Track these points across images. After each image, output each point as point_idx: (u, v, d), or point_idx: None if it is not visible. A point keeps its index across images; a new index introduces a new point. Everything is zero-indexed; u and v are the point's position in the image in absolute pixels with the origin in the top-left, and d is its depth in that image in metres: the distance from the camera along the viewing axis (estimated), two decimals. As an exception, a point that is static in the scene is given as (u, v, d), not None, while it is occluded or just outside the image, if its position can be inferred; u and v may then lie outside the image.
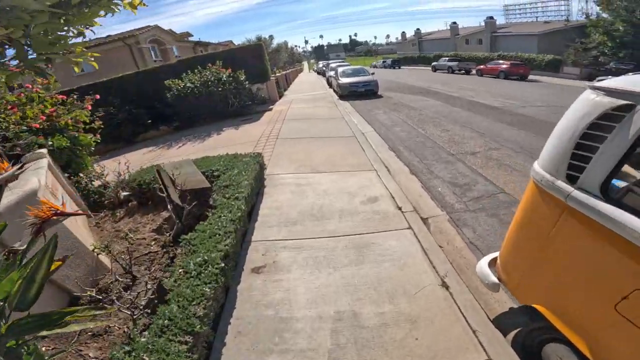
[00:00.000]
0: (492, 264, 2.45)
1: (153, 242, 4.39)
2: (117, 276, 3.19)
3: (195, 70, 11.22)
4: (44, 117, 4.53)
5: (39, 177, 3.44)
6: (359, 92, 14.40)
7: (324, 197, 4.69)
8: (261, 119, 10.78)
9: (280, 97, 15.97)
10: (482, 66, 25.57)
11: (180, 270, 2.79)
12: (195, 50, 26.34)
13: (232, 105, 11.67)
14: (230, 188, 4.01)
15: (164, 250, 3.98)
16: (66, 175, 4.81)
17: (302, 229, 3.97)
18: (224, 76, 10.95)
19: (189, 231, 3.43)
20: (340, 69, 17.22)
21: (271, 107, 12.67)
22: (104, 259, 3.32)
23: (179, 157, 7.97)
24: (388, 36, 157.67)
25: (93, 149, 5.82)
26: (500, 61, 24.94)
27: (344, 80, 15.16)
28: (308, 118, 10.11)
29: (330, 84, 20.08)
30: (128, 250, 3.54)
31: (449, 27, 51.00)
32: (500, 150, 6.33)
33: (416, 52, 57.12)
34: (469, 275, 3.13)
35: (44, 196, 3.02)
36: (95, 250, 3.13)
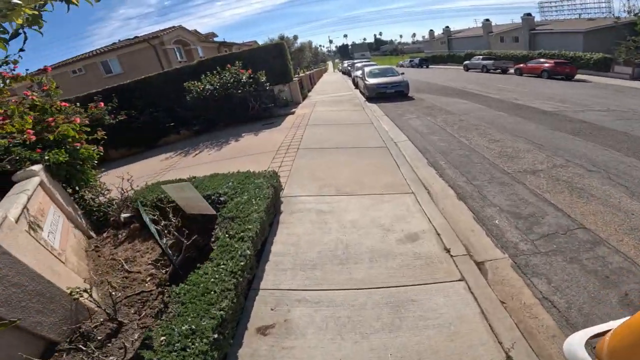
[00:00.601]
0: (591, 344, 1.50)
1: (149, 278, 3.78)
2: (102, 319, 2.77)
3: (214, 72, 10.65)
4: (31, 131, 3.95)
5: (11, 206, 2.87)
6: (388, 94, 13.36)
7: (350, 231, 3.84)
8: (282, 123, 10.05)
9: (304, 98, 15.22)
10: (521, 65, 23.63)
11: (162, 339, 2.10)
12: (220, 51, 26.16)
13: (252, 109, 11.03)
14: (237, 222, 3.23)
15: (159, 290, 3.35)
16: (69, 191, 4.38)
17: (322, 276, 3.16)
18: (244, 77, 10.31)
19: (190, 265, 2.72)
20: (367, 69, 16.23)
21: (294, 110, 11.92)
22: (89, 300, 2.78)
23: (194, 166, 7.42)
24: (414, 35, 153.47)
25: (96, 162, 5.33)
26: (542, 60, 22.95)
27: (372, 80, 14.17)
28: (333, 123, 9.26)
29: (356, 85, 19.11)
30: (112, 296, 2.88)
31: (480, 25, 48.47)
32: (569, 168, 5.18)
33: (445, 50, 55.01)
34: (541, 343, 2.31)
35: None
36: (73, 293, 2.63)
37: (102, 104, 6.35)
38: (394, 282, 2.98)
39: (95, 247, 4.19)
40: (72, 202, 4.33)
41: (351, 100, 13.86)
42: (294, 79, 13.66)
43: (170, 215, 3.89)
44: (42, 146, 4.34)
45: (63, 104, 5.64)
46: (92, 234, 4.45)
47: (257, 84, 10.56)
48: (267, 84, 10.93)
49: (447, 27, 59.96)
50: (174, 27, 20.46)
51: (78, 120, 4.52)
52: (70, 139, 4.71)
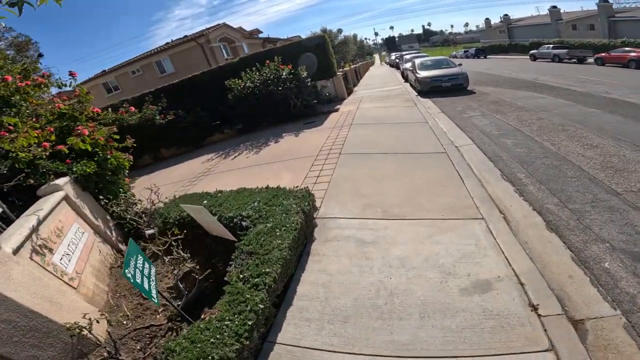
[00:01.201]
0: None
1: (161, 309, 3.28)
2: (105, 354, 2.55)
3: (254, 69, 10.16)
4: (47, 144, 3.61)
5: (15, 232, 2.67)
6: (444, 88, 11.90)
7: (398, 271, 2.96)
8: (325, 122, 9.25)
9: (349, 93, 14.27)
10: (603, 54, 20.25)
11: None
12: (264, 47, 26.05)
13: (293, 107, 10.38)
14: (254, 259, 2.51)
15: (169, 324, 3.04)
16: (102, 202, 4.15)
17: (354, 334, 2.40)
18: (284, 73, 9.66)
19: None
20: (417, 61, 14.76)
21: (338, 106, 11.05)
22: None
23: (229, 172, 6.92)
24: (467, 24, 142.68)
25: (127, 171, 4.99)
26: (627, 48, 19.56)
27: (424, 73, 12.76)
28: (381, 122, 8.24)
29: (406, 78, 17.66)
30: (111, 336, 2.43)
31: (545, 12, 43.51)
32: None
33: (505, 39, 50.55)
34: None
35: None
36: (71, 329, 2.40)
37: (132, 108, 6.11)
38: (451, 351, 2.14)
39: (121, 263, 3.88)
40: (103, 214, 4.15)
41: (401, 95, 12.61)
42: (338, 73, 12.77)
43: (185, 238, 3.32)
44: (74, 155, 4.14)
45: (95, 109, 5.41)
46: (123, 246, 4.24)
47: (298, 80, 9.86)
48: (309, 79, 10.19)
49: (507, 15, 54.91)
50: (218, 25, 20.62)
51: (86, 132, 4.07)
52: (99, 149, 4.42)
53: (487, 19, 64.42)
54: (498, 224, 3.56)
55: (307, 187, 3.99)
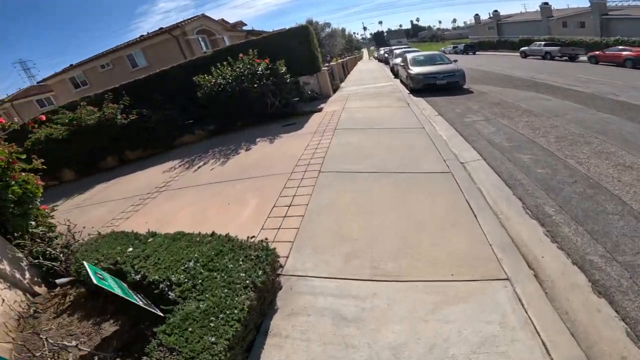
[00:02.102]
0: None
1: None
2: None
3: (225, 63, 8.90)
4: None
5: None
6: (439, 86, 10.89)
7: None
8: (306, 125, 8.10)
9: (335, 90, 13.11)
10: (597, 52, 19.73)
11: None
12: (248, 39, 24.59)
13: (271, 106, 9.18)
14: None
15: None
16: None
17: None
18: (260, 68, 8.44)
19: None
20: (409, 56, 13.69)
21: (322, 105, 9.89)
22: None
23: (187, 189, 5.68)
24: (455, 20, 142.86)
25: (41, 198, 4.19)
26: (621, 47, 19.16)
27: (417, 69, 11.71)
28: (370, 126, 7.14)
29: (396, 74, 16.61)
30: None
31: (535, 9, 43.39)
32: None
33: (494, 36, 50.57)
34: None
35: None
36: None
37: (42, 117, 4.88)
38: None
39: (34, 312, 3.24)
40: (13, 254, 3.50)
41: (392, 93, 11.53)
42: (323, 68, 11.59)
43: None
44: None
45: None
46: (40, 289, 3.53)
47: (276, 76, 8.66)
48: (288, 75, 8.99)
49: (496, 11, 54.90)
50: (196, 16, 19.06)
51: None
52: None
53: (476, 15, 64.19)
54: (528, 286, 2.55)
55: (266, 239, 2.87)
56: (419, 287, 2.63)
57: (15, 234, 3.61)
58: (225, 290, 2.20)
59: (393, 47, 32.18)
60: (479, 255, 2.90)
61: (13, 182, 3.66)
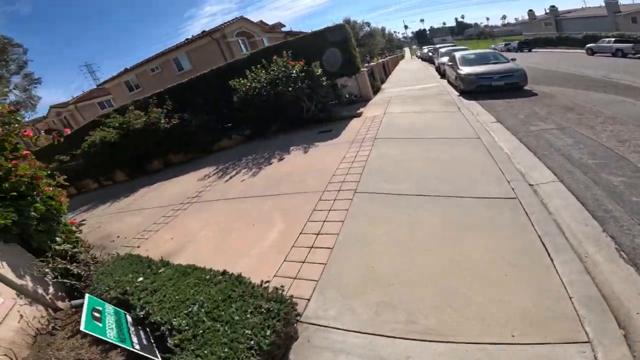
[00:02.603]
0: None
1: None
2: None
3: (259, 66, 8.57)
4: None
5: None
6: (494, 87, 9.68)
7: None
8: (343, 132, 7.46)
9: (376, 92, 12.31)
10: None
11: None
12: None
13: (307, 110, 8.69)
14: None
15: None
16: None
17: None
18: (294, 71, 7.97)
19: None
20: (458, 55, 12.49)
21: (361, 110, 9.19)
22: None
23: (218, 201, 5.38)
24: (504, 17, 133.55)
25: (65, 213, 4.24)
26: None
27: (467, 69, 10.57)
28: (415, 135, 6.33)
29: (442, 74, 15.40)
30: None
31: (600, 5, 39.48)
32: None
33: (551, 32, 46.82)
34: None
35: None
36: None
37: (67, 130, 4.93)
38: None
39: (53, 329, 3.21)
40: (34, 269, 3.45)
41: (439, 95, 10.50)
42: (362, 69, 10.87)
43: None
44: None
45: (27, 133, 4.09)
46: (62, 304, 3.55)
47: (312, 78, 8.13)
48: (324, 78, 8.42)
49: (554, 6, 50.62)
50: (235, 18, 19.23)
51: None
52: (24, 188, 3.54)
53: (530, 10, 59.66)
54: (614, 351, 1.83)
55: (282, 287, 2.31)
56: (468, 352, 1.92)
57: (38, 252, 3.62)
58: (226, 350, 1.73)
59: (438, 46, 30.38)
60: (553, 310, 2.13)
61: (37, 199, 3.66)
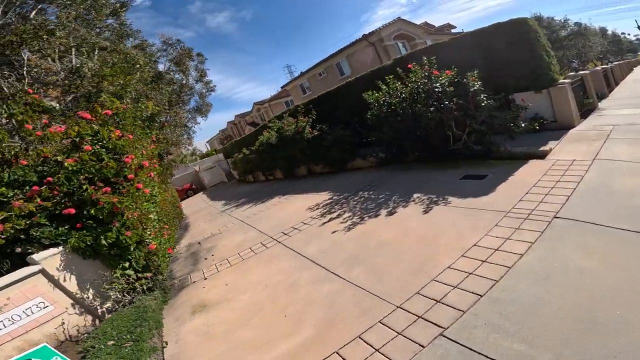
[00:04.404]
0: None
1: None
2: None
3: (391, 77, 6.65)
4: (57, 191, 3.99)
5: None
6: None
7: None
8: (500, 187, 4.60)
9: (586, 114, 7.87)
10: None
11: None
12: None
13: (455, 140, 6.19)
14: None
15: None
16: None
17: None
18: (438, 84, 5.63)
19: None
20: None
21: (549, 146, 5.74)
22: None
23: (298, 252, 4.71)
24: None
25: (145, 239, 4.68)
26: None
27: None
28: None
29: None
30: None
31: None
32: None
33: None
34: None
35: None
36: None
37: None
38: None
39: (84, 338, 3.51)
40: (98, 283, 4.07)
41: None
42: (561, 80, 7.08)
43: None
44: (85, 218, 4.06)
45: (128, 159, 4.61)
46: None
47: (464, 94, 5.58)
48: (485, 96, 5.62)
49: None
50: (392, 20, 17.38)
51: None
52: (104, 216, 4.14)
53: None
54: None
55: None
56: None
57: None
58: None
59: None
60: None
61: (113, 228, 4.12)
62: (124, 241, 4.16)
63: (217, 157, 27.91)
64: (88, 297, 3.93)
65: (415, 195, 5.16)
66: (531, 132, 6.22)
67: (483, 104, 5.49)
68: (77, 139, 4.34)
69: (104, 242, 3.97)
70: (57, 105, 5.56)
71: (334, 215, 5.70)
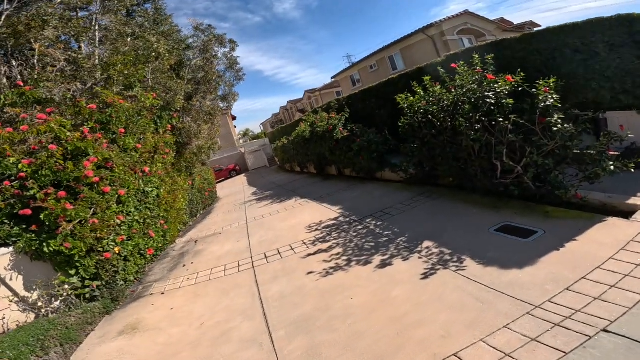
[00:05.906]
0: None
1: None
2: None
3: (425, 79, 5.15)
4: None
5: None
6: None
7: None
8: (548, 258, 3.02)
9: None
10: None
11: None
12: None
13: (504, 172, 4.54)
14: None
15: None
16: None
17: None
18: (493, 93, 4.04)
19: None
20: None
21: (644, 194, 3.94)
22: None
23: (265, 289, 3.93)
24: None
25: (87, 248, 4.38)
26: None
27: None
28: None
29: None
30: None
31: None
32: None
33: None
34: None
35: None
36: None
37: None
38: None
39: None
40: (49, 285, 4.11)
41: None
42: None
43: None
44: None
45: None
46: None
47: (530, 109, 3.92)
48: (560, 117, 3.84)
49: None
50: (458, 13, 14.97)
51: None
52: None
53: None
54: None
55: None
56: None
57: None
58: None
59: None
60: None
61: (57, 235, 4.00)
62: (66, 251, 4.05)
63: (263, 141, 28.47)
64: (32, 297, 4.03)
65: (424, 245, 3.79)
66: (623, 171, 4.26)
67: (557, 127, 3.77)
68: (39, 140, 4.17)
69: (46, 249, 3.93)
70: (56, 96, 5.18)
71: (325, 246, 4.56)
